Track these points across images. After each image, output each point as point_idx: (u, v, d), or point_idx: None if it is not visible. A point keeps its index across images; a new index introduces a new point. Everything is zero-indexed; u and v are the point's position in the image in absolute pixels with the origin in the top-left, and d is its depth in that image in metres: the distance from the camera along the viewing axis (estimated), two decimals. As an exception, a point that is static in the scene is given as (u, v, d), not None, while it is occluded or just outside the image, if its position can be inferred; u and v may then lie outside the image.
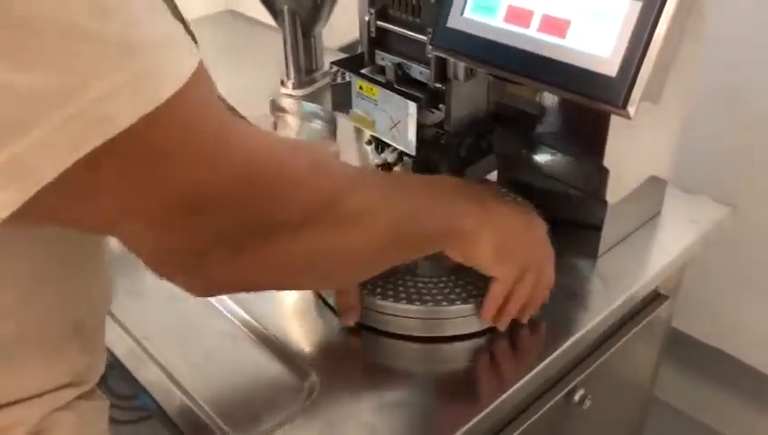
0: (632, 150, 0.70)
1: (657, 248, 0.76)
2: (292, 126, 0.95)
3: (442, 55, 0.65)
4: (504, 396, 0.59)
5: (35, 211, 0.30)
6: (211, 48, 1.29)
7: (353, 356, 0.64)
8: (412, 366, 0.64)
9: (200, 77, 0.33)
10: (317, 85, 1.04)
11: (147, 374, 0.62)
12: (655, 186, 0.78)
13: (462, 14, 0.62)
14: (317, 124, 0.94)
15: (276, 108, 0.96)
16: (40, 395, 0.44)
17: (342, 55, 1.03)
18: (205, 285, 0.45)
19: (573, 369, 0.71)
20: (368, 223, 0.48)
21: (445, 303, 0.63)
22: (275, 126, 0.95)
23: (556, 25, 0.56)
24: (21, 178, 0.28)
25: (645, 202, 0.78)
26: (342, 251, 0.48)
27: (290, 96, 1.02)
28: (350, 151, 0.89)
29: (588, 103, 0.56)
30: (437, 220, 0.56)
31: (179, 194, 0.36)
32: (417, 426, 0.58)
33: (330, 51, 1.10)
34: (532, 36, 0.58)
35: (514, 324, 0.65)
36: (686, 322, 1.04)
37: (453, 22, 0.62)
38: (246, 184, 0.39)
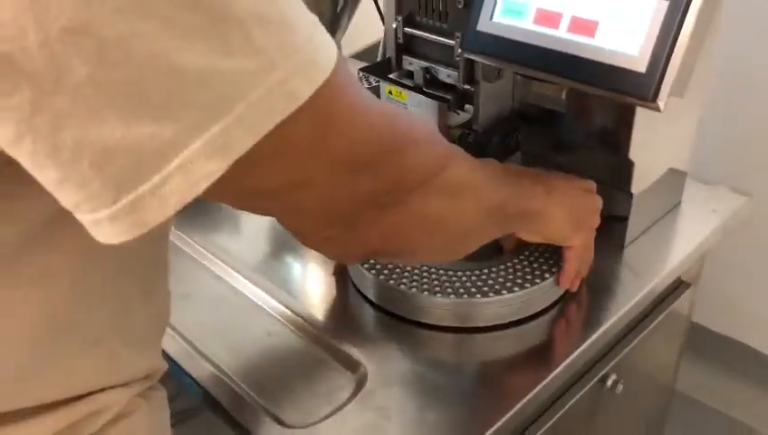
0: (654, 144, 0.72)
1: (679, 237, 0.79)
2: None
3: (473, 58, 0.68)
4: (544, 382, 0.62)
5: (234, 178, 0.33)
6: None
7: (398, 348, 0.66)
8: (452, 356, 0.66)
9: (340, 57, 0.38)
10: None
11: (200, 371, 0.65)
12: (675, 177, 0.81)
13: (491, 18, 0.65)
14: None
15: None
16: (125, 384, 0.48)
17: (360, 62, 1.06)
18: (356, 250, 0.50)
19: (605, 355, 0.74)
20: (469, 195, 0.53)
21: (479, 295, 0.66)
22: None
23: (585, 26, 0.59)
24: (225, 149, 0.32)
25: (666, 193, 0.81)
26: (448, 218, 0.52)
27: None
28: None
29: (619, 98, 0.58)
30: (513, 202, 0.60)
31: (343, 154, 0.40)
32: (464, 414, 0.60)
33: (347, 59, 1.13)
34: (562, 37, 0.61)
35: (543, 316, 0.68)
36: (705, 313, 1.07)
37: (483, 25, 0.65)
38: (391, 143, 0.44)
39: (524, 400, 0.61)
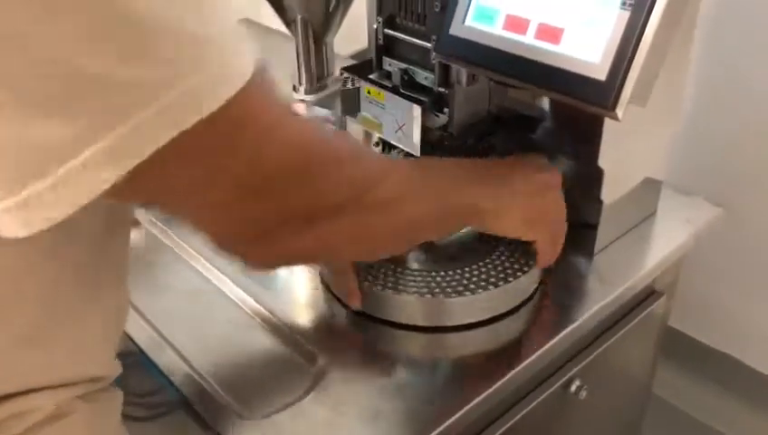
0: (626, 152, 0.73)
1: (651, 246, 0.80)
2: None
3: (445, 61, 0.69)
4: (499, 383, 0.63)
5: (132, 185, 0.34)
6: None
7: (359, 343, 0.68)
8: (413, 354, 0.67)
9: (262, 71, 0.38)
10: (328, 91, 1.08)
11: (166, 360, 0.66)
12: (650, 187, 0.81)
13: (464, 22, 0.66)
14: (327, 127, 0.98)
15: (288, 112, 1.00)
16: (65, 386, 0.48)
17: (353, 62, 1.07)
18: (263, 260, 0.50)
19: (570, 360, 0.75)
20: (404, 206, 0.54)
21: (443, 295, 0.67)
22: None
23: (551, 33, 0.60)
24: (119, 157, 0.33)
25: (640, 202, 0.81)
26: (376, 232, 0.53)
27: (301, 101, 1.06)
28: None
29: (580, 106, 0.59)
30: (458, 202, 0.61)
31: (249, 171, 0.41)
32: (418, 410, 0.61)
33: (341, 58, 1.14)
34: (529, 43, 0.61)
35: (508, 317, 0.69)
36: (686, 321, 1.07)
37: (455, 29, 0.66)
38: (306, 163, 0.44)
39: (479, 398, 0.61)
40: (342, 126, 0.96)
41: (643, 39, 0.55)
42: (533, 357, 0.65)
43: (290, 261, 0.54)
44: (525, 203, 0.65)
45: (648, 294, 0.83)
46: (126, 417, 0.57)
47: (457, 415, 0.60)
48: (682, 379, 1.14)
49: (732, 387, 1.09)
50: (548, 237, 0.68)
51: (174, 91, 0.33)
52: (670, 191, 0.85)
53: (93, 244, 0.46)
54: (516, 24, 0.62)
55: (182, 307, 0.74)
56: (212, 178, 0.39)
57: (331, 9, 1.03)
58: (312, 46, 1.05)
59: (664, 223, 0.82)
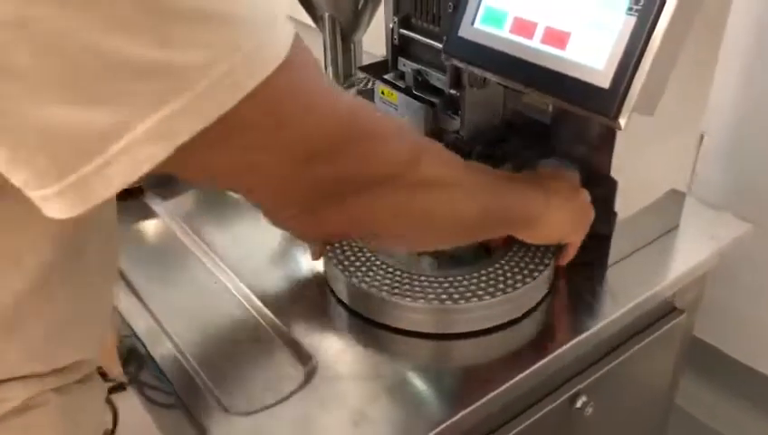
0: (644, 163, 0.70)
1: (670, 261, 0.76)
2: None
3: (453, 63, 0.68)
4: (492, 394, 0.61)
5: (184, 159, 0.35)
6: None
7: (355, 346, 0.67)
8: (410, 359, 0.66)
9: (299, 46, 0.39)
10: (354, 89, 1.08)
11: (163, 351, 0.67)
12: (672, 199, 0.78)
13: (473, 24, 0.64)
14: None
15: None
16: (35, 376, 0.48)
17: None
18: (316, 232, 0.52)
19: (576, 375, 0.72)
20: (445, 191, 0.53)
21: (447, 302, 0.65)
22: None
23: (557, 37, 0.58)
24: (168, 136, 0.34)
25: (661, 215, 0.78)
26: (416, 211, 0.53)
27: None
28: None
29: (583, 113, 0.57)
30: (509, 207, 0.61)
31: (295, 142, 0.41)
32: (409, 415, 0.60)
33: (371, 56, 1.13)
34: (535, 47, 0.60)
35: (511, 327, 0.67)
36: (714, 335, 1.03)
37: (464, 31, 0.65)
38: (349, 135, 0.45)
39: (469, 408, 0.60)
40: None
41: (649, 46, 0.53)
42: (531, 370, 0.64)
43: (335, 233, 0.54)
44: (568, 207, 0.66)
45: (668, 311, 0.80)
46: (150, 401, 0.60)
47: (447, 423, 0.59)
48: (710, 394, 1.10)
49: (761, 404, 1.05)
50: (578, 244, 0.70)
51: (211, 74, 0.34)
52: (696, 204, 0.82)
53: (71, 248, 0.47)
54: (524, 27, 0.61)
55: (186, 301, 0.74)
56: (258, 153, 0.41)
57: (359, 7, 1.02)
58: (340, 44, 1.05)
59: (686, 237, 0.79)
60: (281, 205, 0.48)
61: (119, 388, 0.64)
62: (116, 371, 0.65)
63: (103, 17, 0.32)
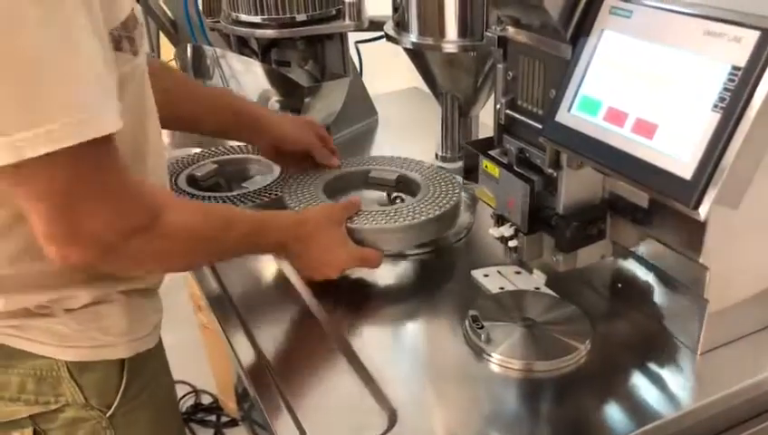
0: (740, 251, 0.70)
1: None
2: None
3: (550, 145, 0.72)
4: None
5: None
6: (396, 117, 1.48)
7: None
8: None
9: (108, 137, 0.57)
10: (468, 161, 1.14)
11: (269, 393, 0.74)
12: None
13: (569, 110, 0.69)
14: (463, 195, 1.03)
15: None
16: (102, 281, 0.69)
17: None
18: (77, 262, 0.62)
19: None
20: (192, 235, 0.69)
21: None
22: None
23: (646, 128, 0.61)
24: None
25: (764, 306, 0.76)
26: (168, 255, 0.69)
27: (441, 168, 1.12)
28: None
29: (667, 202, 0.59)
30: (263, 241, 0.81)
31: (67, 193, 0.58)
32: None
33: (487, 127, 1.19)
34: (625, 135, 0.63)
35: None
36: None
37: (561, 117, 0.69)
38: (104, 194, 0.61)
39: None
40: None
41: (732, 142, 0.55)
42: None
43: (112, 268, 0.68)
44: (310, 258, 0.83)
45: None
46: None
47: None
48: None
49: None
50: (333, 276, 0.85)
51: (51, 124, 0.53)
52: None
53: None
54: (616, 116, 0.64)
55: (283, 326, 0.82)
56: (48, 186, 0.57)
57: (478, 85, 1.09)
58: (457, 118, 1.12)
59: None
60: (50, 234, 0.60)
61: (231, 423, 0.74)
62: (231, 406, 0.77)
63: None
